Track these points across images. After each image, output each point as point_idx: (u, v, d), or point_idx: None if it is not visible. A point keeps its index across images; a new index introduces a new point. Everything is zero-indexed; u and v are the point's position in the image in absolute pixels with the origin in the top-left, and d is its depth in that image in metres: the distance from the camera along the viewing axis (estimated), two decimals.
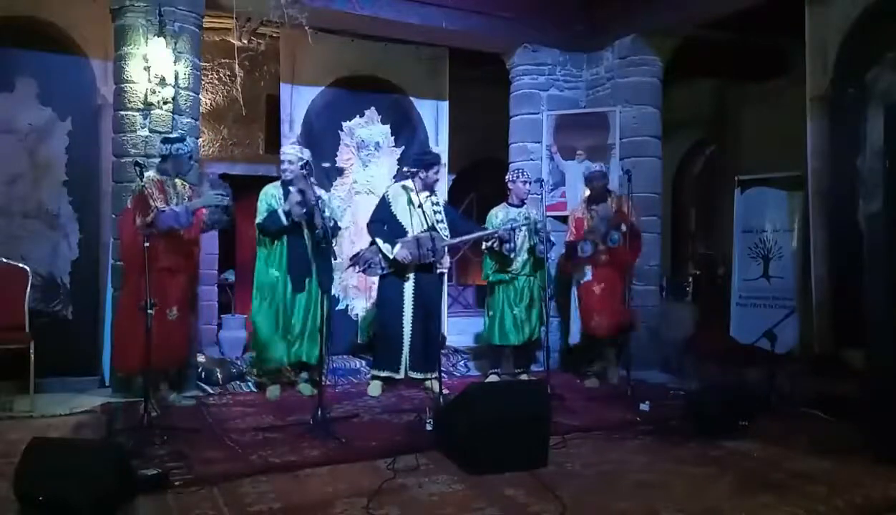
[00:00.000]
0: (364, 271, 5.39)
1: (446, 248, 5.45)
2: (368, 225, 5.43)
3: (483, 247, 5.75)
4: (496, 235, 5.51)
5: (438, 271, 5.23)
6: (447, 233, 5.34)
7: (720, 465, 3.70)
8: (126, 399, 4.87)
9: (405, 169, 5.58)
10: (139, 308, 4.18)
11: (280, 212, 4.96)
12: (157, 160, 4.91)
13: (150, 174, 4.67)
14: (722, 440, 4.10)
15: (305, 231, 5.05)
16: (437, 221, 5.28)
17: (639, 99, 6.45)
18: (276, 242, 5.09)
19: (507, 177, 5.89)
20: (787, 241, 6.06)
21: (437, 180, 5.58)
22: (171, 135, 4.87)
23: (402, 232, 5.28)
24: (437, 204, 5.43)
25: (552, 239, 5.74)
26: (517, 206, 5.81)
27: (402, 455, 3.68)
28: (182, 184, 4.86)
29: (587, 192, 5.92)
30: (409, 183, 5.32)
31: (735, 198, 6.49)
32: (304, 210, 4.90)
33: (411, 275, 5.30)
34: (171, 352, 4.79)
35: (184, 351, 5.05)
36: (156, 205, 4.35)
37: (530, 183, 5.75)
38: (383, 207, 5.38)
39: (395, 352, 5.31)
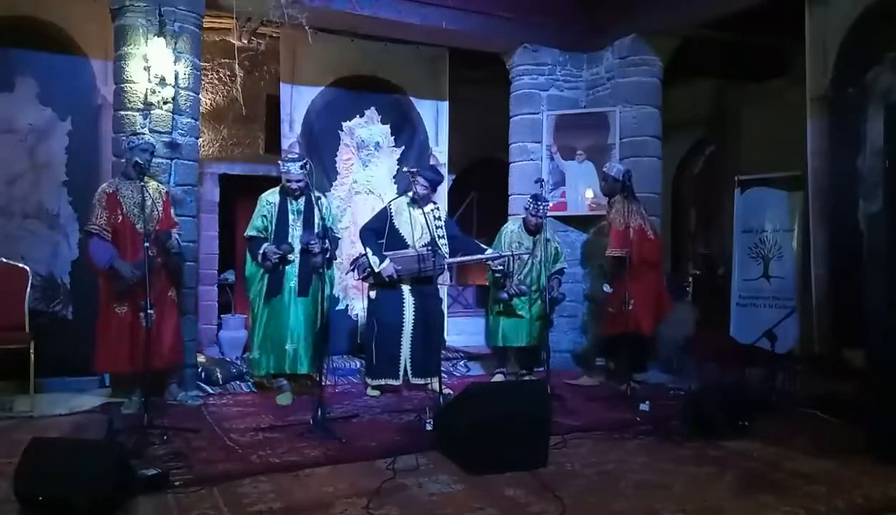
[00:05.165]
0: (364, 279, 5.35)
1: (446, 266, 5.38)
2: (361, 231, 5.41)
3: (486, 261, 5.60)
4: (497, 259, 5.42)
5: (438, 285, 5.15)
6: (447, 248, 5.27)
7: (720, 465, 3.70)
8: (126, 399, 4.87)
9: (406, 170, 5.51)
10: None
11: (264, 247, 4.93)
12: (157, 160, 4.92)
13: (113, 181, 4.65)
14: (722, 440, 4.10)
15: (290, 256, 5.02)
16: (439, 236, 5.20)
17: (639, 99, 6.44)
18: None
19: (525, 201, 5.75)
20: (787, 241, 6.05)
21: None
22: None
23: (403, 244, 5.24)
24: (439, 218, 5.38)
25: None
26: (530, 233, 5.70)
27: (402, 455, 3.68)
28: (157, 188, 4.78)
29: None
30: (413, 196, 5.25)
31: (735, 198, 6.47)
32: (277, 259, 4.95)
33: (408, 286, 5.25)
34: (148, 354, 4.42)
35: (169, 354, 4.76)
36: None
37: (542, 218, 5.48)
38: (382, 218, 5.29)
39: (392, 362, 5.25)
